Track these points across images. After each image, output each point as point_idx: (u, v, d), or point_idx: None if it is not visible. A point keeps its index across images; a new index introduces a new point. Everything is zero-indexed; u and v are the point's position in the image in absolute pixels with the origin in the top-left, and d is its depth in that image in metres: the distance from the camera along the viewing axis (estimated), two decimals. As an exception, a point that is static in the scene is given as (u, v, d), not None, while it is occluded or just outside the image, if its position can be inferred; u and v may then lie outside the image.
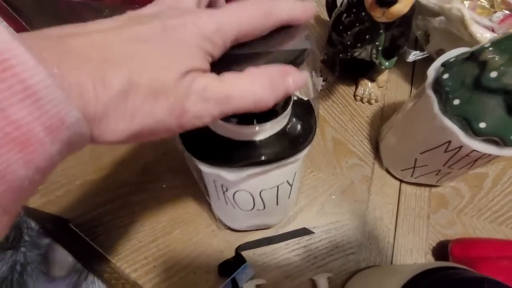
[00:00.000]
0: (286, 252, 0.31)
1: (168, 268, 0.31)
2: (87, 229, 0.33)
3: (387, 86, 0.41)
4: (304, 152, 0.21)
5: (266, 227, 0.32)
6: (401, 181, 0.34)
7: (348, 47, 0.33)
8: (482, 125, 0.22)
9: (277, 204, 0.26)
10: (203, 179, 0.25)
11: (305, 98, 0.21)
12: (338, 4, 0.36)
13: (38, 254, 0.27)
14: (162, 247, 0.32)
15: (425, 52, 0.40)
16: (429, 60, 0.40)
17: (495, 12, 0.29)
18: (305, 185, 0.34)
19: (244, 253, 0.31)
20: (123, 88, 0.11)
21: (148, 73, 0.11)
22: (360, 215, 0.33)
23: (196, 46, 0.12)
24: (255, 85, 0.13)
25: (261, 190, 0.23)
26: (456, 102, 0.23)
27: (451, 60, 0.25)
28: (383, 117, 0.39)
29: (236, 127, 0.18)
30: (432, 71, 0.26)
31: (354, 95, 0.40)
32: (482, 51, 0.22)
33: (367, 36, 0.31)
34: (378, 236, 0.32)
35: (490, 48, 0.22)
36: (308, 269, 0.30)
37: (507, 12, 0.28)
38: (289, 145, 0.20)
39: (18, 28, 0.35)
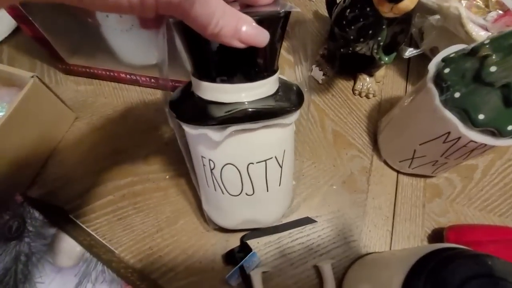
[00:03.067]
0: (290, 241, 0.32)
1: (174, 257, 0.31)
2: (88, 220, 0.32)
3: (384, 81, 0.42)
4: (291, 118, 0.23)
5: (258, 226, 0.30)
6: (398, 172, 0.36)
7: (350, 42, 0.34)
8: (481, 116, 0.23)
9: (267, 190, 0.26)
10: (192, 161, 0.26)
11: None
12: (338, 1, 0.37)
13: (43, 244, 0.26)
14: (167, 237, 0.32)
15: (420, 49, 0.42)
16: (423, 57, 0.42)
17: (490, 11, 0.30)
18: (307, 176, 0.35)
19: (249, 242, 0.31)
20: None
21: None
22: (360, 205, 0.34)
23: None
24: None
25: (249, 164, 0.24)
26: (457, 94, 0.24)
27: (451, 56, 0.26)
28: (380, 111, 0.40)
29: (225, 85, 0.20)
30: (433, 66, 0.27)
31: (353, 90, 0.41)
32: (482, 47, 0.23)
33: (370, 31, 0.32)
34: (377, 224, 0.33)
35: (489, 45, 0.23)
36: (312, 257, 0.31)
37: (500, 12, 0.30)
38: (275, 104, 0.21)
39: (34, 32, 0.34)
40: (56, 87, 0.40)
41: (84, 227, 0.32)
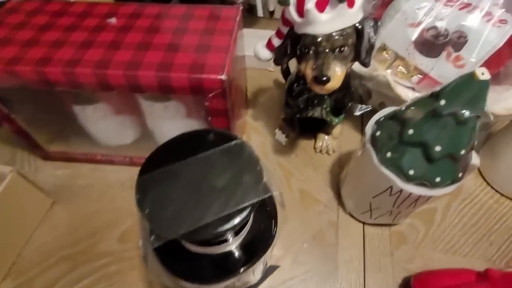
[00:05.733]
0: (266, 306, 0.32)
1: None
2: (63, 309, 0.32)
3: (341, 137, 0.47)
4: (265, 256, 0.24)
5: None
6: (363, 223, 0.38)
7: (301, 110, 0.39)
8: (411, 172, 0.27)
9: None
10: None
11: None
12: (291, 70, 0.42)
13: None
14: (142, 317, 0.31)
15: (369, 106, 0.47)
16: (374, 111, 0.47)
17: (412, 76, 0.36)
18: (277, 237, 0.37)
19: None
20: None
21: None
22: (331, 259, 0.35)
23: None
24: None
25: None
26: (389, 154, 0.28)
27: (381, 119, 0.30)
28: (341, 165, 0.43)
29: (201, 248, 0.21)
30: (369, 128, 0.31)
31: (314, 148, 0.45)
32: (400, 113, 0.28)
33: (315, 101, 0.36)
34: (350, 278, 0.34)
35: (406, 110, 0.27)
36: (289, 321, 0.31)
37: (420, 76, 0.35)
38: (247, 255, 0.22)
39: (15, 127, 0.38)
40: (35, 174, 0.43)
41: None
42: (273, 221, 0.25)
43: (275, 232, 0.24)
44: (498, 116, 0.34)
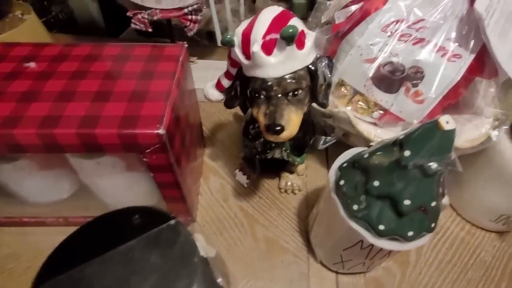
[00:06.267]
0: None
1: None
2: None
3: (306, 174, 0.44)
4: None
5: None
6: (336, 272, 0.34)
7: (260, 152, 0.35)
8: (381, 227, 0.24)
9: None
10: None
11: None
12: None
13: None
14: None
15: (333, 138, 0.45)
16: (339, 143, 0.45)
17: (373, 112, 0.34)
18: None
19: None
20: None
21: None
22: (304, 323, 0.31)
23: None
24: None
25: None
26: (355, 207, 0.25)
27: (344, 165, 0.27)
28: (308, 205, 0.40)
29: None
30: (332, 175, 0.28)
31: (279, 188, 0.42)
32: (364, 160, 0.25)
33: (273, 144, 0.33)
34: None
35: (370, 157, 0.25)
36: None
37: (381, 111, 0.34)
38: None
39: None
40: None
41: None
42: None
43: None
44: (460, 149, 0.33)
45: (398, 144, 0.22)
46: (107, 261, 0.16)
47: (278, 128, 0.24)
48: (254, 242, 0.37)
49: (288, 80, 0.25)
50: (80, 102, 0.26)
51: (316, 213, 0.35)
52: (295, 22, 0.25)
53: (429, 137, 0.20)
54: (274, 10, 0.25)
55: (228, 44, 0.26)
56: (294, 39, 0.23)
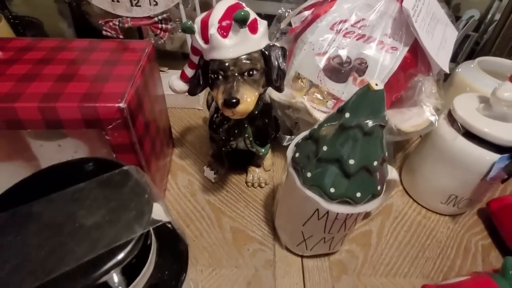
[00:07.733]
0: None
1: None
2: None
3: (273, 169, 0.45)
4: None
5: None
6: (302, 256, 0.35)
7: (225, 141, 0.37)
8: (332, 190, 0.25)
9: None
10: None
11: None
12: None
13: None
14: None
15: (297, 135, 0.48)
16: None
17: (327, 101, 0.37)
18: (208, 287, 0.32)
19: None
20: None
21: None
22: (269, 306, 0.31)
23: None
24: None
25: None
26: (309, 174, 0.26)
27: (299, 141, 0.30)
28: (274, 197, 0.41)
29: None
30: (290, 152, 0.30)
31: (246, 182, 0.43)
32: (314, 132, 0.27)
33: (236, 131, 0.35)
34: (291, 325, 0.30)
35: (319, 128, 0.27)
36: None
37: (334, 100, 0.37)
38: None
39: None
40: None
41: None
42: (182, 265, 0.20)
43: (184, 278, 0.20)
44: (407, 133, 0.36)
45: (340, 110, 0.25)
46: (55, 200, 0.16)
47: (234, 101, 0.26)
48: (221, 232, 0.37)
49: (244, 61, 0.28)
50: (43, 82, 0.26)
51: (277, 200, 0.36)
52: (248, 10, 0.28)
53: (363, 98, 0.23)
54: (229, 1, 0.28)
55: (188, 30, 0.28)
56: (246, 22, 0.26)
